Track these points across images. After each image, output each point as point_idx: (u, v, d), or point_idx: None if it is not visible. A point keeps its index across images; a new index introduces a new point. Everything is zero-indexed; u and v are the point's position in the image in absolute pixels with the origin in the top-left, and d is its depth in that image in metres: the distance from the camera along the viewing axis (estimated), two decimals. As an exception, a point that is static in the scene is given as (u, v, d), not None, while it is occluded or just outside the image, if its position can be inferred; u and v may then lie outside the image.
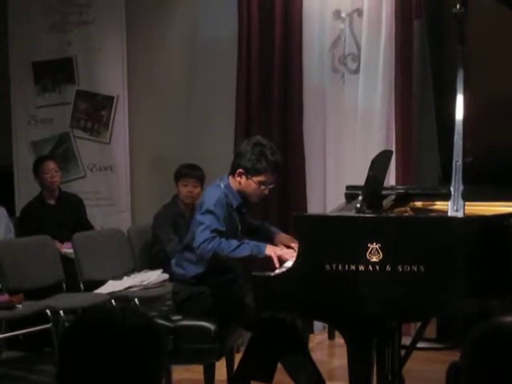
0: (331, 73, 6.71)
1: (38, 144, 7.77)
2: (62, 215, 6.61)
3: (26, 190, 7.42)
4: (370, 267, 3.37)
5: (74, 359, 1.72)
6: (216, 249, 4.18)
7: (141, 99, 7.56)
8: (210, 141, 7.22)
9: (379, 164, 4.12)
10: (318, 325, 6.28)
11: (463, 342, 1.70)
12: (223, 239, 4.21)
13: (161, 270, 6.02)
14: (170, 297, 4.68)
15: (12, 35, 7.78)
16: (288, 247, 4.33)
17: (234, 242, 4.20)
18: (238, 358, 4.53)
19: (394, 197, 4.46)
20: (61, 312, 5.48)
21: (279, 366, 4.33)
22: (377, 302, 3.43)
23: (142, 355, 1.72)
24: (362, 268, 3.38)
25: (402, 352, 4.53)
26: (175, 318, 4.40)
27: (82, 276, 6.09)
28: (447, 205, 3.60)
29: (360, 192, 3.84)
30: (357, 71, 6.58)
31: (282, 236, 4.59)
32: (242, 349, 4.66)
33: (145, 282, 5.96)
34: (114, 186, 7.62)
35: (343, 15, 6.62)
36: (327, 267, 3.41)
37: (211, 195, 4.39)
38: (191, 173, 6.23)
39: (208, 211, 4.29)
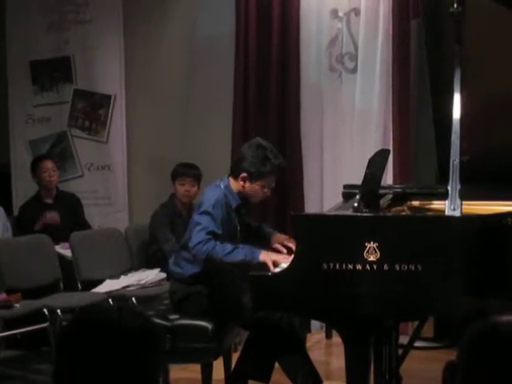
0: (328, 72, 6.71)
1: (36, 143, 7.77)
2: (59, 214, 6.60)
3: (23, 189, 7.42)
4: (368, 266, 3.37)
5: (71, 358, 1.72)
6: (210, 251, 4.18)
7: (138, 98, 7.56)
8: (208, 140, 7.23)
9: (376, 163, 4.12)
10: (315, 324, 6.28)
11: (460, 341, 1.70)
12: (218, 242, 4.20)
13: (158, 269, 6.02)
14: (167, 296, 4.67)
15: (10, 34, 7.78)
16: (285, 247, 4.33)
17: (229, 246, 4.18)
18: (235, 357, 4.53)
19: (391, 196, 4.46)
20: (58, 311, 5.48)
21: (276, 365, 4.33)
22: (374, 301, 3.43)
23: (139, 354, 1.72)
24: (359, 267, 3.38)
25: (400, 351, 4.53)
26: (172, 317, 4.40)
27: (79, 275, 6.09)
28: (444, 204, 3.60)
29: (357, 191, 3.85)
30: (354, 70, 6.58)
31: (278, 236, 4.59)
32: (240, 348, 4.67)
33: (142, 281, 5.96)
34: (111, 186, 7.62)
35: (340, 14, 6.62)
36: (324, 266, 3.41)
37: (210, 196, 4.39)
38: (188, 172, 6.22)
39: (206, 212, 4.28)
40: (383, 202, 4.30)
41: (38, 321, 5.51)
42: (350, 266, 3.39)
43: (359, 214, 3.62)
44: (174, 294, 4.52)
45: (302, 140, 6.78)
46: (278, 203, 6.67)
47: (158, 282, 5.95)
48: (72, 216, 6.74)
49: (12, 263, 5.76)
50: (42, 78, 7.75)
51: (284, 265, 3.85)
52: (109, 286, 5.95)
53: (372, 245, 3.36)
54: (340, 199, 4.61)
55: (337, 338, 4.31)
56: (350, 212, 3.72)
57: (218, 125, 7.21)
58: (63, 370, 1.73)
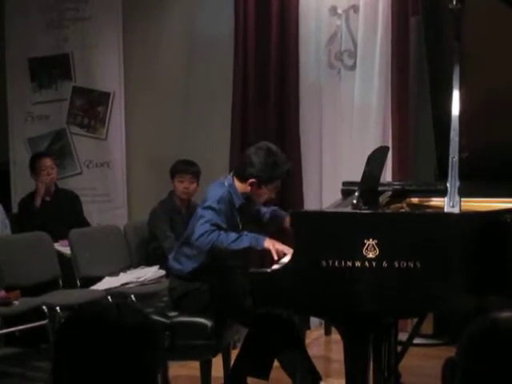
0: (327, 69, 6.71)
1: (35, 140, 7.76)
2: (58, 212, 6.60)
3: (22, 186, 7.42)
4: (367, 263, 3.37)
5: (70, 355, 1.72)
6: (215, 241, 4.18)
7: (137, 95, 7.56)
8: (207, 137, 7.23)
9: (375, 160, 4.12)
10: (314, 321, 6.28)
11: (460, 338, 1.70)
12: (222, 231, 4.21)
13: (157, 267, 6.02)
14: (166, 293, 4.68)
15: (8, 32, 7.77)
16: None
17: (233, 235, 4.19)
18: (234, 354, 4.53)
19: (390, 193, 4.46)
20: (57, 308, 5.48)
21: (275, 362, 4.33)
22: (373, 298, 3.43)
23: (138, 352, 1.72)
24: (358, 264, 3.38)
25: (399, 348, 4.54)
26: (171, 314, 4.40)
27: (78, 272, 6.09)
28: (443, 201, 3.60)
29: (356, 188, 3.85)
30: (353, 67, 6.58)
31: None
32: (239, 345, 4.67)
33: (141, 279, 5.96)
34: (110, 183, 7.62)
35: (339, 11, 6.62)
36: (324, 263, 3.41)
37: (215, 193, 4.38)
38: (187, 169, 6.21)
39: (210, 207, 4.28)
40: (382, 198, 4.30)
41: (37, 318, 5.51)
42: (349, 263, 3.39)
43: (358, 211, 3.62)
44: (174, 290, 4.52)
45: (301, 137, 6.78)
46: (277, 200, 6.65)
47: (157, 280, 5.95)
48: (71, 213, 6.73)
49: (11, 260, 5.76)
50: (40, 76, 7.74)
51: (285, 260, 3.85)
52: (108, 283, 5.95)
53: (371, 242, 3.36)
54: (339, 196, 4.61)
55: (336, 335, 4.31)
56: (349, 209, 3.72)
57: (217, 122, 7.20)
58: (62, 367, 1.73)
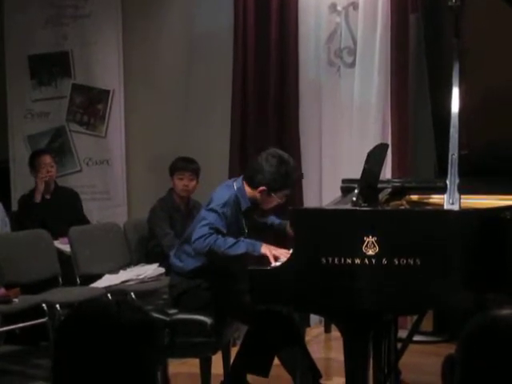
0: (327, 66, 6.71)
1: (34, 138, 7.76)
2: (57, 209, 6.60)
3: (22, 184, 7.42)
4: (366, 260, 3.37)
5: (70, 352, 1.72)
6: (212, 245, 4.18)
7: (137, 93, 7.56)
8: (206, 134, 7.23)
9: (375, 157, 4.12)
10: (314, 318, 6.28)
11: (459, 335, 1.70)
12: (220, 236, 4.20)
13: (157, 264, 6.02)
14: (166, 290, 4.68)
15: (8, 29, 7.77)
16: None
17: (230, 240, 4.19)
18: (234, 351, 4.53)
19: (389, 190, 4.46)
20: (57, 306, 5.47)
21: (275, 360, 4.33)
22: (373, 295, 3.42)
23: (138, 349, 1.72)
24: (358, 261, 3.38)
25: (399, 345, 4.54)
26: (171, 311, 4.40)
27: (78, 270, 6.09)
28: (443, 198, 3.60)
29: (356, 185, 3.84)
30: (353, 65, 6.57)
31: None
32: (239, 342, 4.67)
33: (141, 276, 5.96)
34: (110, 180, 7.62)
35: (339, 9, 6.62)
36: (323, 260, 3.41)
37: (221, 195, 4.37)
38: (187, 166, 6.21)
39: (214, 210, 4.28)
40: (382, 196, 4.30)
41: (36, 316, 5.51)
42: (349, 261, 3.39)
43: (358, 209, 3.62)
44: (174, 288, 4.52)
45: (301, 134, 6.78)
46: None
47: (157, 277, 5.95)
48: (71, 211, 6.73)
49: (11, 258, 5.76)
50: (40, 73, 7.74)
51: (283, 259, 3.85)
52: (108, 280, 5.95)
53: (371, 239, 3.36)
54: (339, 193, 4.61)
55: (336, 332, 4.31)
56: (348, 206, 3.72)
57: (216, 119, 7.20)
58: (62, 364, 1.73)
